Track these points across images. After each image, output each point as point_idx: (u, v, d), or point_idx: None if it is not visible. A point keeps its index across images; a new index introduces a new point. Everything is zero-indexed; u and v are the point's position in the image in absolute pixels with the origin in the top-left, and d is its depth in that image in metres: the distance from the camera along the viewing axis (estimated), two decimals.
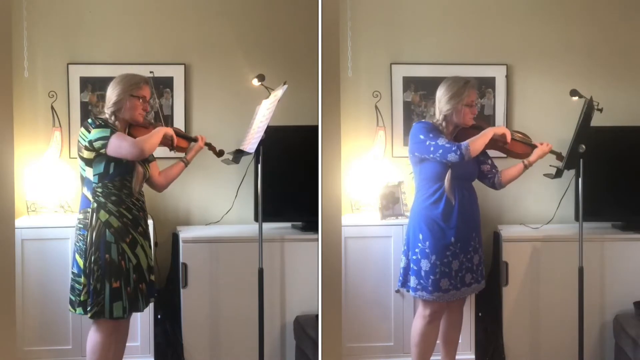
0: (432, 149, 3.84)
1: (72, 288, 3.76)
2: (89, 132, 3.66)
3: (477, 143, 3.87)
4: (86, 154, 3.68)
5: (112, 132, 3.65)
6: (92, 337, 3.75)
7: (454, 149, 3.80)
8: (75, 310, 3.74)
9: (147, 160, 3.87)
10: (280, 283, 4.49)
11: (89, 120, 3.73)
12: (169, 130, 3.89)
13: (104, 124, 3.68)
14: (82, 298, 3.67)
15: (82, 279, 3.67)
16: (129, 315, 3.77)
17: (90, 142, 3.65)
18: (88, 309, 3.66)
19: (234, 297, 4.43)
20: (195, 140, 4.08)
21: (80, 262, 3.69)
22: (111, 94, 3.77)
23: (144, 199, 3.85)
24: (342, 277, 4.27)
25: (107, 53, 4.70)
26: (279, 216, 4.66)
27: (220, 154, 4.14)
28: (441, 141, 3.83)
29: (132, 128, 3.84)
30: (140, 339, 4.39)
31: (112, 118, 3.76)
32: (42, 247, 4.30)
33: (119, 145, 3.63)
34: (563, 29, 4.88)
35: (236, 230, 4.64)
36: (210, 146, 4.09)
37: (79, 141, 3.73)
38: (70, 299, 3.77)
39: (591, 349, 4.46)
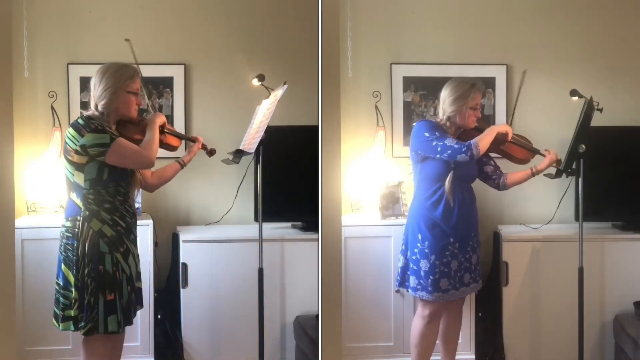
0: (439, 149, 3.81)
1: (57, 301, 3.50)
2: (82, 135, 3.37)
3: (484, 141, 3.85)
4: (77, 159, 3.40)
5: (112, 139, 3.37)
6: (87, 356, 3.53)
7: (463, 149, 3.78)
8: (60, 326, 3.48)
9: None
10: (280, 283, 4.49)
11: (80, 122, 3.42)
12: (161, 119, 3.65)
13: (101, 128, 3.39)
14: (72, 313, 3.44)
15: (72, 293, 3.43)
16: (123, 330, 3.52)
17: (84, 147, 3.37)
18: (81, 325, 3.42)
19: (234, 297, 4.43)
20: (190, 139, 3.89)
21: (69, 274, 3.44)
22: (103, 88, 3.46)
23: (134, 203, 3.64)
24: (342, 277, 4.27)
25: (107, 53, 4.68)
26: (279, 216, 4.66)
27: (211, 153, 3.94)
28: (449, 141, 3.81)
29: (121, 123, 3.57)
30: (140, 339, 4.39)
31: (103, 115, 3.46)
32: (42, 247, 4.30)
33: (124, 155, 3.38)
34: (563, 29, 4.88)
35: (236, 230, 4.64)
36: (203, 146, 3.89)
37: (67, 143, 3.43)
38: (55, 312, 3.53)
39: (591, 349, 4.46)
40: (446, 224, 3.88)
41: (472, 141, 3.81)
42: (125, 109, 3.53)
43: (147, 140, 3.54)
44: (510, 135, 3.97)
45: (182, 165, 3.79)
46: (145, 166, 3.52)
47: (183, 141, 4.00)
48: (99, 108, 3.49)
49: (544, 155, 4.07)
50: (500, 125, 4.04)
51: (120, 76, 3.49)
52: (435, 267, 3.89)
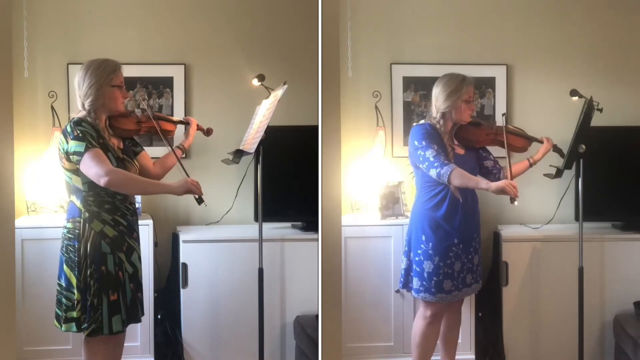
0: (421, 159, 3.81)
1: (59, 302, 3.50)
2: (67, 142, 3.39)
3: (463, 177, 3.71)
4: (67, 165, 3.44)
5: (86, 148, 3.33)
6: (88, 356, 3.53)
7: (435, 164, 3.72)
8: (62, 327, 3.48)
9: (134, 153, 3.66)
10: (280, 283, 4.49)
11: (68, 128, 3.42)
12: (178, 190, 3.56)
13: (82, 136, 3.36)
14: (75, 314, 3.43)
15: (75, 295, 3.42)
16: (126, 327, 3.53)
17: (67, 153, 3.39)
18: (84, 326, 3.42)
19: (234, 297, 4.43)
20: (184, 122, 3.90)
21: (72, 275, 3.44)
22: (87, 86, 3.44)
23: (135, 201, 3.66)
24: (342, 277, 4.27)
25: (107, 53, 4.64)
26: (279, 216, 4.66)
27: (208, 132, 4.00)
28: (429, 153, 3.76)
29: (112, 118, 3.58)
30: (140, 339, 4.39)
31: (90, 113, 3.45)
32: (42, 247, 4.30)
33: (89, 166, 3.33)
34: (563, 29, 4.88)
35: (236, 230, 4.64)
36: (198, 126, 3.94)
37: (58, 149, 3.46)
38: (57, 314, 3.52)
39: (591, 349, 4.46)
40: (450, 225, 3.88)
41: (452, 166, 3.70)
42: (112, 103, 3.52)
43: (141, 178, 3.54)
44: (515, 194, 3.67)
45: (183, 150, 3.80)
46: (101, 185, 3.33)
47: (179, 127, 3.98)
48: (86, 106, 3.48)
49: (541, 142, 4.07)
50: (503, 181, 3.75)
51: (102, 71, 3.47)
52: (439, 269, 3.88)
